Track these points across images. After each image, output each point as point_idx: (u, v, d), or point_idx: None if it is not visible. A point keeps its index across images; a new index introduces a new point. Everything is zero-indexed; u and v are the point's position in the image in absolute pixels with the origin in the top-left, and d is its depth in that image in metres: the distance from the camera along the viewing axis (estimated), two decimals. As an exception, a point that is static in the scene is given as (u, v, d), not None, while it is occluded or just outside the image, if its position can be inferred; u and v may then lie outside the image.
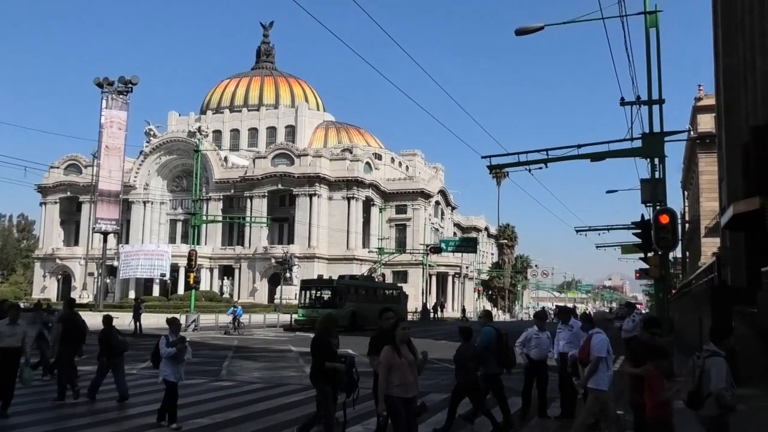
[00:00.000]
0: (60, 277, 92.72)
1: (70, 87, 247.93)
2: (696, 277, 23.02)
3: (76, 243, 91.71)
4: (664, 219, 17.14)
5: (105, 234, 55.50)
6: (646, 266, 23.65)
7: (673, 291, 38.82)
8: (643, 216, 21.20)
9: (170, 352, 10.97)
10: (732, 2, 23.35)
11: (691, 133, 45.54)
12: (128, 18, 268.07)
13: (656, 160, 19.05)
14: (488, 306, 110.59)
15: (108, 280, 76.28)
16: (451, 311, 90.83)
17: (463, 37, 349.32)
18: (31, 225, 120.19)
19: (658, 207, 18.56)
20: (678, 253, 57.45)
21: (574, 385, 11.93)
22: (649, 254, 20.25)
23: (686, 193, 63.41)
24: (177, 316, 13.79)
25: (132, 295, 77.73)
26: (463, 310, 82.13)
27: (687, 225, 54.59)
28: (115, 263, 79.47)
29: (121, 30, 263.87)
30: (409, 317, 63.84)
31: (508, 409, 11.29)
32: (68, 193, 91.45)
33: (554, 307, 58.60)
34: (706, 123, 44.77)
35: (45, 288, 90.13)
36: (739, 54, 22.18)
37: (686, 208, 60.20)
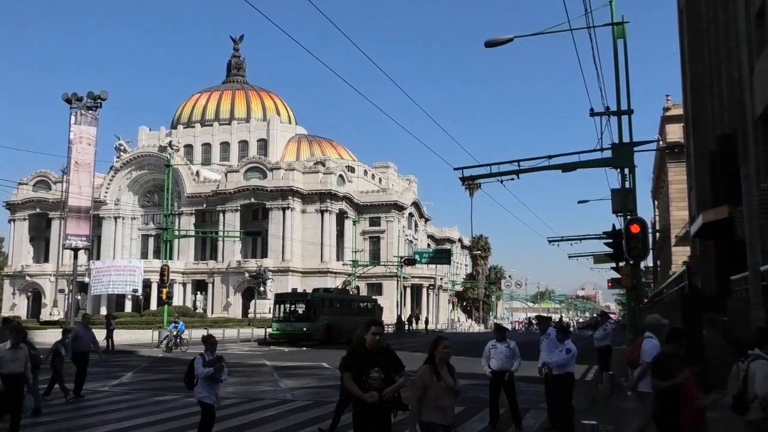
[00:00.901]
0: (30, 294, 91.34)
1: (38, 102, 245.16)
2: (667, 285, 23.25)
3: (46, 260, 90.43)
4: (635, 228, 17.29)
5: (75, 250, 54.50)
6: (618, 276, 23.88)
7: (645, 300, 39.18)
8: (614, 226, 21.44)
9: (207, 372, 10.08)
10: (697, 12, 23.77)
11: (660, 142, 46.14)
12: (97, 32, 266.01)
13: (626, 170, 19.25)
14: (464, 317, 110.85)
15: (79, 297, 75.06)
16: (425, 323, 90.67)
17: (434, 49, 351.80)
18: (0, 242, 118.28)
19: (628, 217, 18.73)
20: (649, 262, 58.07)
21: (569, 398, 11.95)
22: (621, 264, 20.42)
23: (656, 202, 64.19)
24: (211, 332, 12.63)
25: (104, 311, 76.64)
26: (426, 322, 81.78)
27: (658, 234, 55.18)
28: (86, 279, 78.36)
29: (90, 45, 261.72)
30: (384, 329, 63.69)
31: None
32: (37, 210, 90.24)
33: (535, 317, 58.78)
34: (675, 132, 45.43)
35: (14, 305, 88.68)
36: (705, 62, 22.56)
37: (657, 218, 60.89)
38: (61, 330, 19.71)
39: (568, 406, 11.87)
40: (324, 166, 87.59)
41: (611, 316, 58.52)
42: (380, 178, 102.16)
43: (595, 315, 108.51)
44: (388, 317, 72.17)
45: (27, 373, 11.17)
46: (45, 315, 77.61)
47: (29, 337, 14.53)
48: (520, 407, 12.92)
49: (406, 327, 74.34)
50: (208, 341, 10.65)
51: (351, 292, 64.20)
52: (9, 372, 10.75)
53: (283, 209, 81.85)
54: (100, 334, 37.77)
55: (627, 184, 19.26)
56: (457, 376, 7.28)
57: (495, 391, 12.58)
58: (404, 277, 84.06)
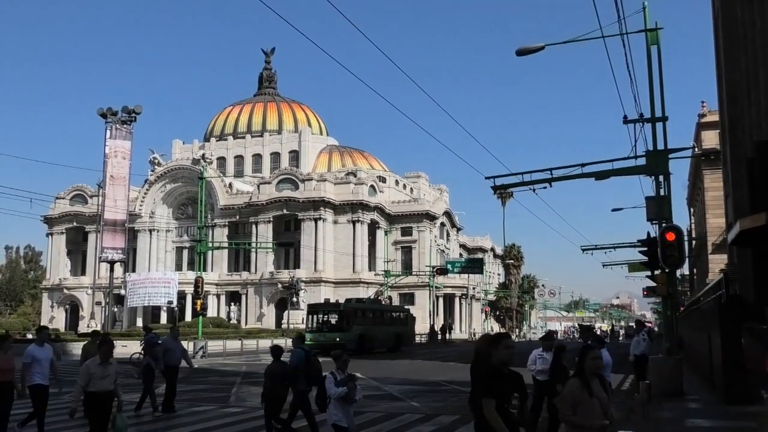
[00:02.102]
0: (68, 306, 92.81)
1: (75, 118, 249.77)
2: (704, 294, 22.89)
3: (83, 272, 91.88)
4: (670, 236, 17.09)
5: (111, 263, 55.52)
6: (653, 284, 23.57)
7: (682, 308, 38.61)
8: (649, 234, 21.15)
9: (341, 392, 9.20)
10: (733, 16, 23.45)
11: (696, 149, 45.48)
12: (131, 48, 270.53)
13: (661, 178, 19.03)
14: (497, 327, 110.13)
15: (115, 309, 76.30)
16: (458, 332, 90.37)
17: (465, 57, 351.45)
18: (38, 256, 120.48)
19: (663, 224, 18.50)
20: (685, 270, 57.19)
21: None
22: (656, 272, 20.17)
23: (692, 209, 63.21)
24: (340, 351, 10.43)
25: (140, 323, 77.68)
26: (432, 328, 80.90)
27: (694, 242, 54.35)
28: (122, 292, 79.52)
29: (124, 60, 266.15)
30: (417, 339, 63.56)
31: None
32: (74, 224, 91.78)
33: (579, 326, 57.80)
34: (711, 139, 44.73)
35: (53, 318, 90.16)
36: (742, 68, 22.22)
37: (692, 225, 59.98)
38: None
39: None
40: (355, 176, 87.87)
41: (647, 324, 57.70)
42: (411, 188, 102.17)
43: (630, 324, 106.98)
44: (421, 327, 72.01)
45: (117, 390, 10.18)
46: (83, 327, 78.85)
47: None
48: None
49: (439, 337, 74.04)
50: (340, 358, 9.73)
51: (383, 302, 64.13)
52: (98, 390, 9.73)
53: (315, 220, 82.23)
54: (135, 346, 38.39)
55: (662, 192, 19.05)
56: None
57: (538, 399, 12.47)
58: (436, 287, 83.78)
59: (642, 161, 19.34)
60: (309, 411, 12.18)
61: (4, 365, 11.82)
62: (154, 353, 16.67)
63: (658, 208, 19.05)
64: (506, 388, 6.11)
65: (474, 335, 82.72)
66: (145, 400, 16.11)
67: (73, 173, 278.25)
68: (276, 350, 12.58)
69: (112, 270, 55.98)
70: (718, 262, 41.86)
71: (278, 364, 12.40)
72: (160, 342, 17.66)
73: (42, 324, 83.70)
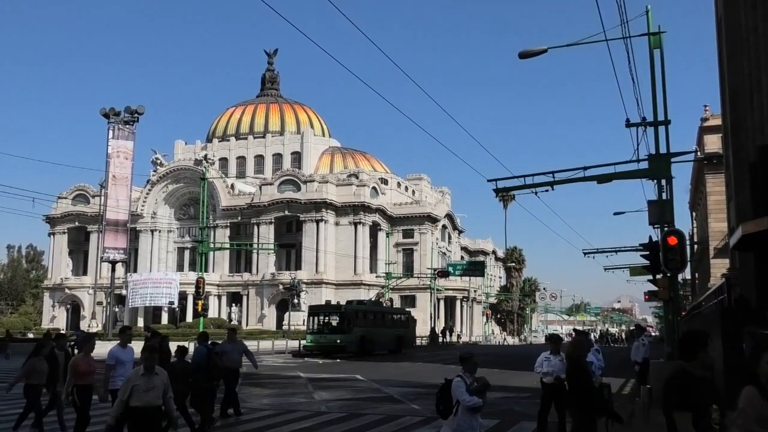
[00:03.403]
0: (69, 306, 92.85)
1: (78, 118, 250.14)
2: (706, 298, 22.84)
3: (85, 272, 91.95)
4: (672, 240, 17.05)
5: (113, 263, 55.63)
6: (655, 288, 23.53)
7: (683, 312, 38.57)
8: (651, 238, 21.13)
9: (474, 403, 7.80)
10: (736, 21, 23.43)
11: (698, 153, 45.44)
12: (134, 48, 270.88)
13: (663, 182, 19.01)
14: (498, 330, 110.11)
15: (117, 309, 76.22)
16: (456, 336, 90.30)
17: (468, 60, 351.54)
18: (40, 255, 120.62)
19: (665, 228, 18.46)
20: (687, 274, 57.13)
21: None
22: (658, 276, 20.14)
23: (694, 214, 63.19)
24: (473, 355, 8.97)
25: (140, 323, 77.70)
26: (433, 331, 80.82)
27: (696, 246, 54.30)
28: (124, 292, 79.56)
29: (127, 60, 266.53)
30: (417, 342, 63.52)
31: (211, 415, 13.09)
32: (76, 223, 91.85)
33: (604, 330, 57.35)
34: (713, 143, 44.71)
35: (54, 318, 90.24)
36: (745, 73, 22.20)
37: (695, 229, 59.95)
38: (105, 342, 19.50)
39: (590, 418, 11.75)
40: (357, 178, 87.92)
41: (648, 329, 57.57)
42: (413, 190, 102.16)
43: (631, 328, 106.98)
44: (422, 329, 71.97)
45: (169, 404, 8.45)
46: (84, 327, 78.89)
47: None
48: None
49: (440, 339, 74.03)
50: (469, 360, 8.35)
51: (384, 305, 64.12)
52: (142, 404, 8.12)
53: (317, 221, 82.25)
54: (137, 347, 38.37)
55: (664, 196, 19.02)
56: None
57: (547, 403, 12.43)
58: (438, 290, 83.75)
59: (644, 165, 19.31)
60: (211, 402, 13.20)
61: (84, 367, 11.38)
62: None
63: (660, 211, 19.01)
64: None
65: (474, 338, 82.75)
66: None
67: (75, 173, 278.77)
68: (181, 350, 13.22)
69: (113, 270, 56.09)
70: (720, 267, 41.78)
71: (181, 364, 13.06)
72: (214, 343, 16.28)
73: (44, 325, 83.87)
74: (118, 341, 12.28)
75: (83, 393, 11.28)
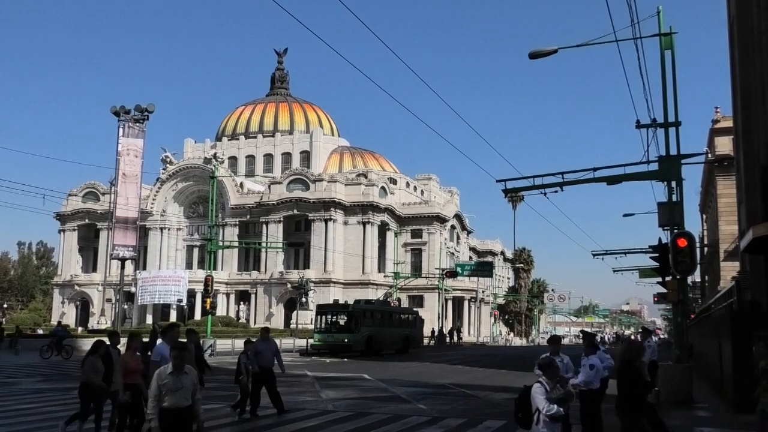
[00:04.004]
0: (78, 303, 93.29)
1: (88, 116, 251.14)
2: (715, 301, 22.74)
3: (94, 269, 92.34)
4: (682, 243, 16.97)
5: (122, 260, 55.62)
6: (664, 290, 23.42)
7: (693, 315, 38.40)
8: (660, 240, 21.04)
9: (556, 412, 7.27)
10: (748, 23, 23.30)
11: (709, 155, 45.29)
12: (145, 47, 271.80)
13: (673, 184, 18.91)
14: (506, 331, 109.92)
15: (125, 306, 76.51)
16: (467, 336, 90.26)
17: (477, 60, 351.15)
18: (50, 252, 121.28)
19: (675, 230, 18.37)
20: (697, 277, 56.86)
21: (597, 414, 11.78)
22: (667, 278, 20.04)
23: (704, 216, 62.93)
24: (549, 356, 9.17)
25: (149, 320, 78.03)
26: (432, 332, 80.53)
27: (706, 249, 54.09)
28: (133, 289, 79.85)
29: (138, 59, 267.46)
30: (425, 342, 63.47)
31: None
32: (86, 221, 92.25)
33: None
34: (724, 145, 44.50)
35: (64, 314, 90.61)
36: (756, 75, 22.07)
37: (705, 232, 59.70)
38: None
39: (597, 422, 11.75)
40: (366, 178, 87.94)
41: (657, 331, 57.19)
42: (422, 190, 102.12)
43: (639, 330, 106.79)
44: (430, 329, 71.91)
45: (197, 406, 7.86)
46: (93, 324, 79.27)
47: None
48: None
49: (448, 340, 73.95)
50: (549, 367, 7.65)
51: (392, 304, 64.06)
52: (171, 405, 7.62)
53: (326, 221, 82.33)
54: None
55: (674, 198, 18.92)
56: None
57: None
58: (446, 290, 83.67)
59: (654, 166, 19.22)
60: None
61: (133, 366, 11.25)
62: (246, 352, 15.98)
63: (670, 214, 18.92)
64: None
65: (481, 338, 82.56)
66: (246, 402, 15.57)
67: (85, 171, 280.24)
68: (146, 345, 13.81)
69: (122, 267, 56.12)
70: (730, 270, 41.62)
71: (142, 357, 13.22)
72: (251, 341, 16.64)
73: (54, 321, 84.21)
74: (165, 339, 12.05)
75: (132, 391, 11.19)
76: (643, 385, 8.49)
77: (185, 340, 11.96)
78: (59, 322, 49.00)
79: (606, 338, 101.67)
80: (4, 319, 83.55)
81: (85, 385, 12.17)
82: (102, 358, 12.35)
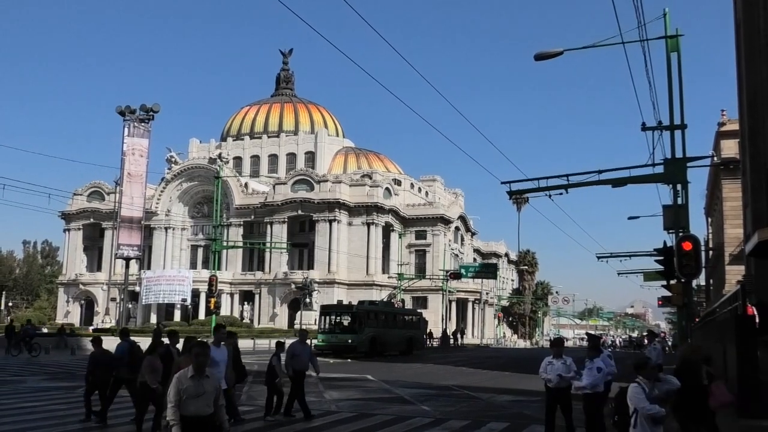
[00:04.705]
0: (83, 302, 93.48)
1: (94, 115, 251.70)
2: (720, 305, 22.67)
3: (99, 269, 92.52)
4: (687, 246, 16.92)
5: (127, 260, 55.81)
6: (669, 294, 23.38)
7: (697, 319, 38.28)
8: (665, 243, 20.98)
9: (656, 412, 6.89)
10: (755, 26, 23.24)
11: (715, 158, 45.14)
12: (150, 47, 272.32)
13: (679, 186, 18.87)
14: (510, 333, 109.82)
15: (130, 306, 76.70)
16: (471, 337, 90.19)
17: (482, 61, 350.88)
18: (55, 251, 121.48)
19: (680, 234, 18.32)
20: (702, 280, 56.70)
21: (600, 417, 11.78)
22: (672, 282, 20.00)
23: (710, 219, 62.77)
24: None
25: (153, 319, 78.16)
26: (444, 333, 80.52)
27: (711, 252, 53.95)
28: (137, 289, 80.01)
29: (144, 58, 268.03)
30: (429, 343, 63.40)
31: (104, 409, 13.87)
32: (91, 220, 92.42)
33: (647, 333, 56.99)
34: (730, 148, 44.37)
35: (68, 313, 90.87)
36: (763, 78, 22.00)
37: (710, 235, 59.55)
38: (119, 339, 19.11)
39: (600, 424, 11.75)
40: (371, 178, 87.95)
41: (661, 334, 57.01)
42: (427, 192, 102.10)
43: (643, 334, 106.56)
44: (434, 331, 71.84)
45: (220, 414, 7.07)
46: (97, 323, 79.39)
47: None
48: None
49: (452, 341, 73.91)
50: (645, 366, 7.31)
51: (396, 305, 64.05)
52: (191, 414, 6.83)
53: (330, 221, 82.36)
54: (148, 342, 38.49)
55: (679, 201, 18.89)
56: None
57: (550, 408, 12.36)
58: (450, 291, 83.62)
59: (660, 169, 19.17)
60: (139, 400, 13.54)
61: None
62: (278, 354, 15.81)
63: (676, 217, 18.89)
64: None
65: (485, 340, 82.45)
66: (281, 403, 15.43)
67: (91, 170, 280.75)
68: (97, 339, 14.69)
69: (127, 267, 56.29)
70: (735, 273, 41.47)
71: (101, 351, 14.26)
72: (283, 342, 16.67)
73: (59, 320, 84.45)
74: (212, 340, 11.79)
75: None
76: (703, 390, 8.15)
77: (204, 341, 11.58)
78: (29, 321, 49.40)
79: (616, 341, 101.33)
80: (9, 318, 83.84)
81: (144, 385, 12.10)
82: (161, 358, 12.21)
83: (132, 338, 15.18)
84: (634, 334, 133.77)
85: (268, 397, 15.34)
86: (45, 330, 58.19)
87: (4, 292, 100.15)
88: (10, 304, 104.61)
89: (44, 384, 21.99)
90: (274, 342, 20.06)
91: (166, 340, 13.50)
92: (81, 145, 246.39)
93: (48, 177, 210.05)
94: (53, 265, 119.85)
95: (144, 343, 19.00)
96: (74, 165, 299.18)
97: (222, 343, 11.61)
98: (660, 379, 7.04)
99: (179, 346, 12.66)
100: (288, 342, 16.85)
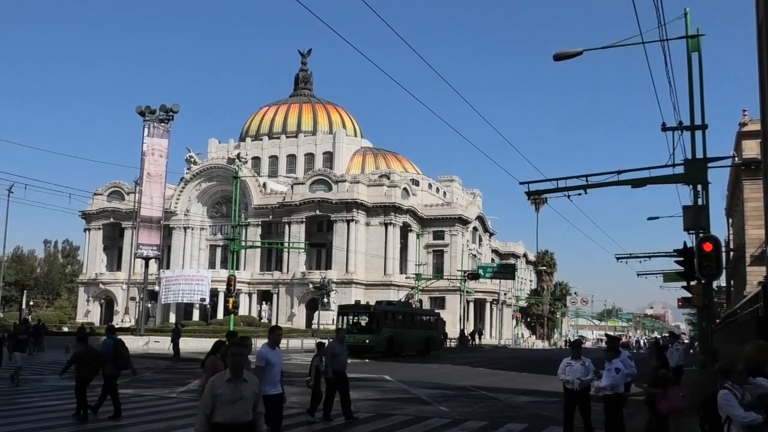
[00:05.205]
0: (103, 301, 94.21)
1: (114, 116, 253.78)
2: (741, 306, 22.47)
3: (119, 268, 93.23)
4: (708, 247, 16.78)
5: (146, 259, 56.22)
6: (689, 295, 23.18)
7: (717, 320, 37.94)
8: (685, 243, 20.78)
9: (753, 419, 6.27)
10: (776, 26, 22.99)
11: (736, 159, 44.66)
12: (170, 47, 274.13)
13: (699, 187, 18.69)
14: (528, 333, 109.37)
15: (149, 305, 77.24)
16: (489, 338, 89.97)
17: (501, 61, 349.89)
18: (76, 251, 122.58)
19: (701, 234, 18.16)
20: (722, 281, 56.15)
21: (620, 418, 11.77)
22: (692, 283, 19.82)
23: (731, 220, 62.15)
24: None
25: (172, 319, 78.63)
26: (462, 333, 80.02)
27: (731, 253, 53.39)
28: (157, 288, 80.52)
29: (163, 59, 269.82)
30: (447, 344, 63.31)
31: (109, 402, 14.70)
32: (111, 220, 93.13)
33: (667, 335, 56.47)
34: (752, 149, 43.89)
35: (89, 312, 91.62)
36: (785, 78, 21.78)
37: (731, 236, 58.94)
38: (137, 337, 19.45)
39: (619, 426, 11.73)
40: (388, 179, 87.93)
41: (681, 336, 56.55)
42: (444, 192, 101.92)
43: (664, 335, 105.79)
44: (451, 332, 71.74)
45: (259, 422, 6.39)
46: (117, 322, 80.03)
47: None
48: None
49: (470, 342, 73.78)
50: (731, 371, 6.68)
51: (414, 306, 64.00)
52: (227, 421, 6.12)
53: (348, 221, 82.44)
54: (167, 342, 38.82)
55: (700, 201, 18.70)
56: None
57: (569, 409, 12.34)
58: (467, 292, 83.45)
59: (680, 169, 18.99)
60: (115, 394, 14.55)
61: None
62: (319, 355, 15.70)
63: (696, 217, 18.69)
64: None
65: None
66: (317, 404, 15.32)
67: (111, 170, 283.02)
68: (82, 336, 15.76)
69: (146, 266, 56.71)
70: (756, 274, 41.03)
71: (85, 348, 14.98)
72: (323, 343, 16.72)
73: (79, 319, 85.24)
74: (267, 341, 11.22)
75: (272, 401, 10.25)
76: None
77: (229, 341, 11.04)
78: (183, 324, 50.12)
79: (641, 343, 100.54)
80: (30, 317, 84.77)
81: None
82: (223, 358, 12.03)
83: (119, 336, 15.97)
84: (656, 335, 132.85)
85: (320, 396, 15.18)
86: (65, 329, 58.81)
87: (25, 291, 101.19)
88: (31, 303, 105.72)
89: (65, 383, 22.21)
90: (292, 342, 20.18)
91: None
92: (102, 145, 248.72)
93: (69, 177, 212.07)
94: (74, 265, 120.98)
95: (164, 341, 19.05)
96: (95, 165, 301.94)
97: (277, 345, 11.12)
98: (749, 383, 6.53)
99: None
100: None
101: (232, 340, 6.93)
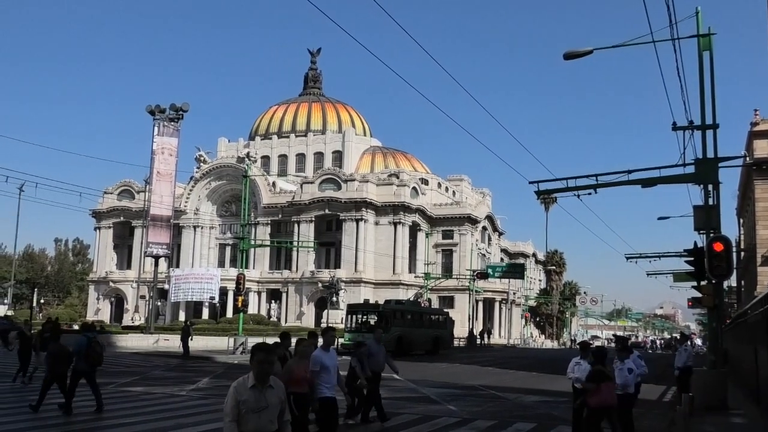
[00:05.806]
0: (113, 299, 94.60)
1: (124, 115, 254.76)
2: (751, 306, 22.35)
3: (129, 266, 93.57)
4: (719, 247, 16.71)
5: (156, 258, 56.32)
6: (699, 295, 23.09)
7: (728, 320, 37.77)
8: (696, 243, 20.71)
9: None
10: (787, 25, 22.84)
11: (747, 158, 44.45)
12: (180, 47, 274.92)
13: (710, 187, 18.61)
14: (537, 333, 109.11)
15: (159, 303, 77.44)
16: (498, 337, 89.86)
17: (510, 60, 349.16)
18: (86, 249, 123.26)
19: (711, 234, 18.08)
20: (733, 282, 55.90)
21: (630, 418, 11.76)
22: (703, 283, 19.75)
23: (741, 220, 61.83)
24: None
25: (182, 317, 78.79)
26: (470, 332, 79.70)
27: (742, 253, 53.14)
28: (166, 286, 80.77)
29: (173, 58, 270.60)
30: (455, 343, 63.28)
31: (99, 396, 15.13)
32: (121, 218, 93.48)
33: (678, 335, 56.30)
34: (763, 149, 43.68)
35: (99, 310, 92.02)
36: (796, 78, 21.62)
37: (741, 236, 58.65)
38: (147, 335, 19.50)
39: (629, 426, 11.67)
40: (398, 178, 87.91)
41: (692, 337, 56.23)
42: (454, 191, 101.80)
43: (675, 336, 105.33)
44: (460, 331, 71.69)
45: (285, 430, 5.93)
46: (126, 320, 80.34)
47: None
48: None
49: (478, 341, 73.69)
50: None
51: (423, 305, 64.01)
52: (251, 431, 5.65)
53: (357, 221, 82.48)
54: (176, 340, 38.96)
55: (710, 201, 18.62)
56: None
57: (579, 409, 12.34)
58: (476, 291, 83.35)
59: (691, 169, 18.92)
60: (95, 387, 15.09)
61: (299, 373, 9.80)
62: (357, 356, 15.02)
63: (707, 217, 18.62)
64: None
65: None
66: (359, 406, 14.95)
67: (121, 169, 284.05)
68: (55, 333, 16.64)
69: (156, 265, 56.81)
70: (767, 275, 40.88)
71: (57, 346, 15.64)
72: (362, 343, 16.18)
73: (89, 317, 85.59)
74: (321, 343, 10.79)
75: (299, 402, 9.71)
76: None
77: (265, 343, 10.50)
78: (193, 322, 50.38)
79: (657, 343, 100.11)
80: (41, 315, 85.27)
81: None
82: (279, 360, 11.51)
83: (92, 333, 16.09)
84: (667, 335, 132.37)
85: (355, 400, 14.72)
86: (76, 327, 58.98)
87: (36, 289, 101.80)
88: (42, 301, 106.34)
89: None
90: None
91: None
92: (112, 144, 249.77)
93: (80, 176, 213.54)
94: (84, 263, 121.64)
95: (174, 339, 19.22)
96: (105, 164, 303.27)
97: (331, 346, 10.63)
98: None
99: (291, 348, 11.71)
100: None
101: (257, 345, 6.25)
